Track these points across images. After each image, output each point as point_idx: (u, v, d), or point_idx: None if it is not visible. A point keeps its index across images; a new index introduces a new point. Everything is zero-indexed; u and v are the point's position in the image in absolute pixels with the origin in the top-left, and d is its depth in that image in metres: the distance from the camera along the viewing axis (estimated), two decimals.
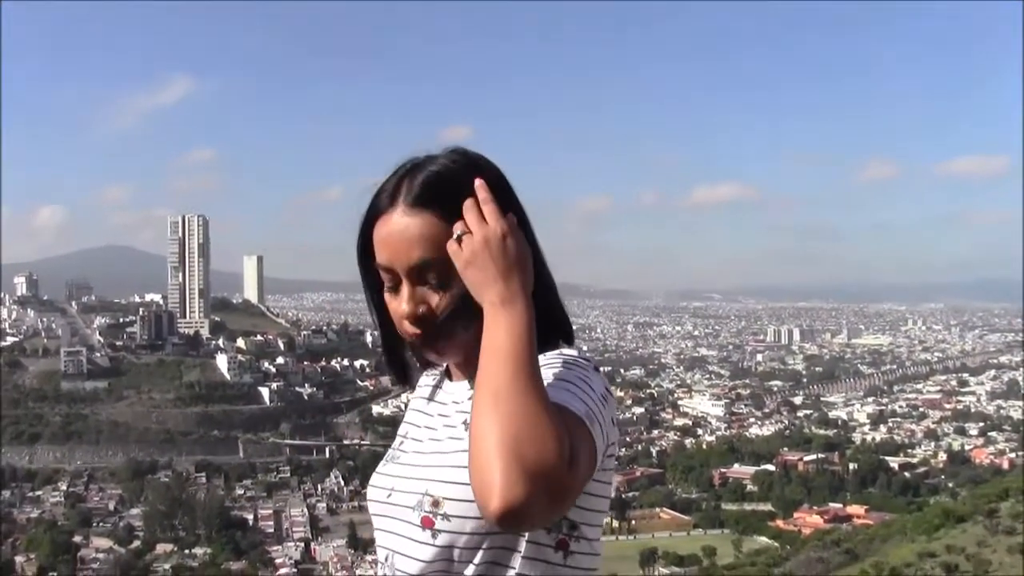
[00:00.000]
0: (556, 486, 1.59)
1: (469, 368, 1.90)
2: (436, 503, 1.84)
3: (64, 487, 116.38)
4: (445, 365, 2.09)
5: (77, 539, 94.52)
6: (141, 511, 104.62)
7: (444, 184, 1.87)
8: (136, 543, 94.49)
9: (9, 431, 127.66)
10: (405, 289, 1.89)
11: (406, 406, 2.23)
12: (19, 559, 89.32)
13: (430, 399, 2.12)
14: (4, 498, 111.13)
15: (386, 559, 1.96)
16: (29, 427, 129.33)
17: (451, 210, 1.83)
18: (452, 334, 1.90)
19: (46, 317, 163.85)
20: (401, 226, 1.87)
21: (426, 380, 2.18)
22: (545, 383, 1.71)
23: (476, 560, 1.84)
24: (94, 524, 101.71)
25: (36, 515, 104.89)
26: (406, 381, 2.15)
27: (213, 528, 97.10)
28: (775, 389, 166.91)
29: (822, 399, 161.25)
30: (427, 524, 1.85)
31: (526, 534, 1.83)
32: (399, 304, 1.91)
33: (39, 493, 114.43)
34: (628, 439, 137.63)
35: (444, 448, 1.92)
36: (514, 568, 1.85)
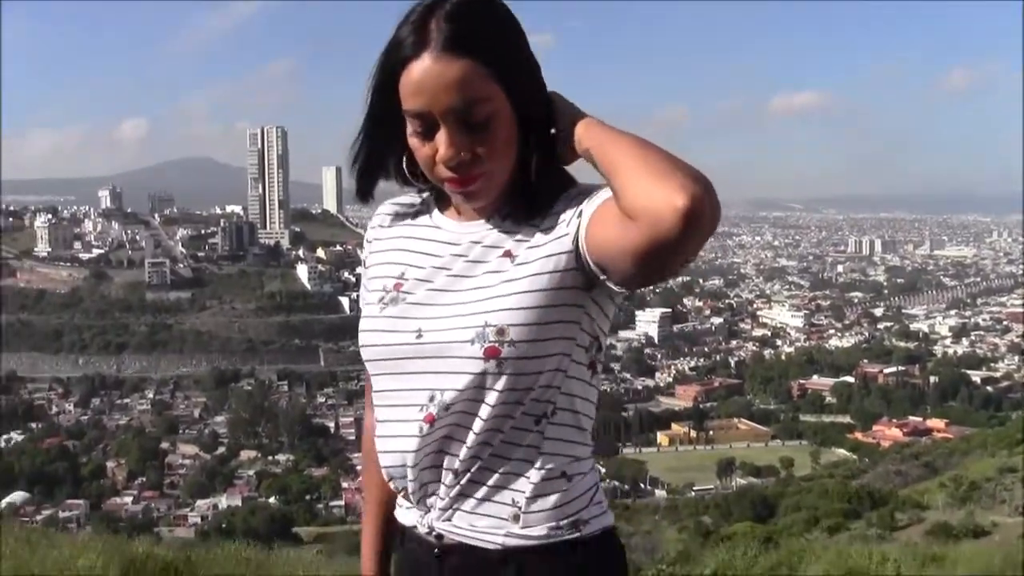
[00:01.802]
0: (716, 198, 1.68)
1: (492, 205, 1.99)
2: (501, 331, 1.88)
3: (151, 395, 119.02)
4: (432, 204, 2.13)
5: (164, 445, 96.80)
6: (225, 418, 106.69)
7: (472, 23, 1.88)
8: (221, 450, 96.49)
9: (97, 341, 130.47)
10: (443, 134, 1.88)
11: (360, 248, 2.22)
12: (110, 464, 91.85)
13: (425, 239, 2.09)
14: (94, 406, 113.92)
15: (431, 399, 1.93)
16: (116, 337, 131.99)
17: (485, 49, 1.87)
18: (491, 177, 1.93)
19: (130, 229, 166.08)
20: (437, 71, 1.86)
21: (394, 222, 2.17)
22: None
23: (536, 384, 1.91)
24: (180, 431, 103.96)
25: (124, 422, 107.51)
26: (366, 200, 2.11)
27: (295, 436, 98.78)
28: (855, 300, 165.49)
29: (903, 311, 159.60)
30: (492, 354, 1.88)
31: (572, 353, 1.94)
32: (433, 149, 1.90)
33: (127, 401, 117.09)
34: (706, 349, 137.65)
35: (488, 282, 1.94)
36: (560, 387, 1.95)
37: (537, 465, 1.96)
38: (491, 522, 1.97)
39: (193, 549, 7.95)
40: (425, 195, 2.14)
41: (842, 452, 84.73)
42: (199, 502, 79.37)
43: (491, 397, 1.91)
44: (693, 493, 69.38)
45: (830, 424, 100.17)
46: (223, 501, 77.63)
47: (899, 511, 25.58)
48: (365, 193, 2.10)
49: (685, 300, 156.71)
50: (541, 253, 1.92)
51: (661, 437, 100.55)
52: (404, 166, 2.04)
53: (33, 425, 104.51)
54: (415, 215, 2.15)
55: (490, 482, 1.96)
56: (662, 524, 35.95)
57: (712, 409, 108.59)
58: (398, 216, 2.18)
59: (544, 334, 1.90)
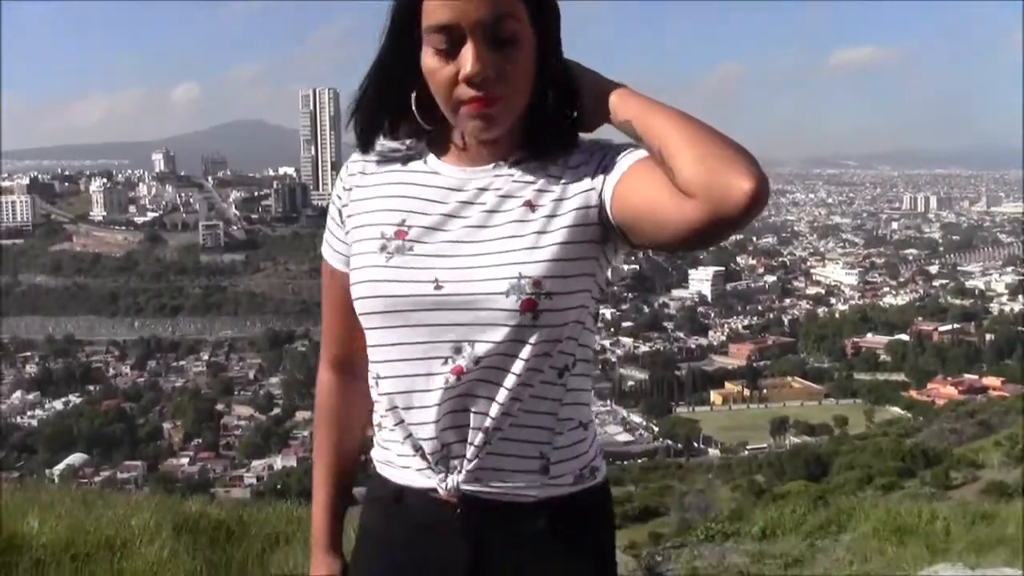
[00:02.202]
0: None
1: (497, 151, 1.98)
2: (537, 283, 1.88)
3: (206, 357, 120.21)
4: (424, 149, 2.07)
5: (219, 407, 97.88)
6: (280, 379, 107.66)
7: None
8: (276, 410, 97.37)
9: (152, 304, 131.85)
10: (470, 48, 1.84)
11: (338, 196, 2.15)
12: (166, 426, 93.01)
13: (423, 185, 2.03)
14: (150, 368, 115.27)
15: (458, 351, 1.90)
16: (171, 300, 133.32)
17: None
18: (511, 105, 1.90)
19: (183, 192, 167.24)
20: None
21: (379, 167, 2.11)
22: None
23: (563, 336, 1.93)
24: (235, 392, 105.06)
25: (180, 384, 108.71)
26: (368, 149, 2.09)
27: None
28: (910, 258, 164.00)
29: (959, 268, 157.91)
30: (529, 307, 1.88)
31: (589, 306, 1.97)
32: (456, 67, 1.86)
33: (182, 363, 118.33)
34: (760, 307, 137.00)
35: (515, 232, 1.92)
36: (578, 339, 1.98)
37: (560, 417, 1.98)
38: (522, 476, 1.97)
39: (246, 508, 8.05)
40: (409, 142, 2.08)
41: (896, 410, 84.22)
42: (254, 463, 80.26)
43: (524, 351, 1.90)
44: (746, 452, 69.34)
45: (884, 382, 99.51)
46: (278, 462, 78.43)
47: (954, 470, 25.47)
48: (368, 142, 2.08)
49: (738, 258, 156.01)
50: (569, 206, 1.93)
51: (714, 396, 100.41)
52: (413, 106, 1.98)
53: (91, 388, 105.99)
54: (404, 160, 2.09)
55: (520, 437, 1.96)
56: (715, 483, 36.00)
57: (765, 368, 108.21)
58: (382, 161, 2.11)
59: (572, 286, 1.92)
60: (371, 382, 2.05)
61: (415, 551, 2.05)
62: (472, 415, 1.94)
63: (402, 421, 1.99)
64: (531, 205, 1.94)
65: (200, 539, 6.24)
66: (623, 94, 1.91)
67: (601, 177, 1.92)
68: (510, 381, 1.92)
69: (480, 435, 1.94)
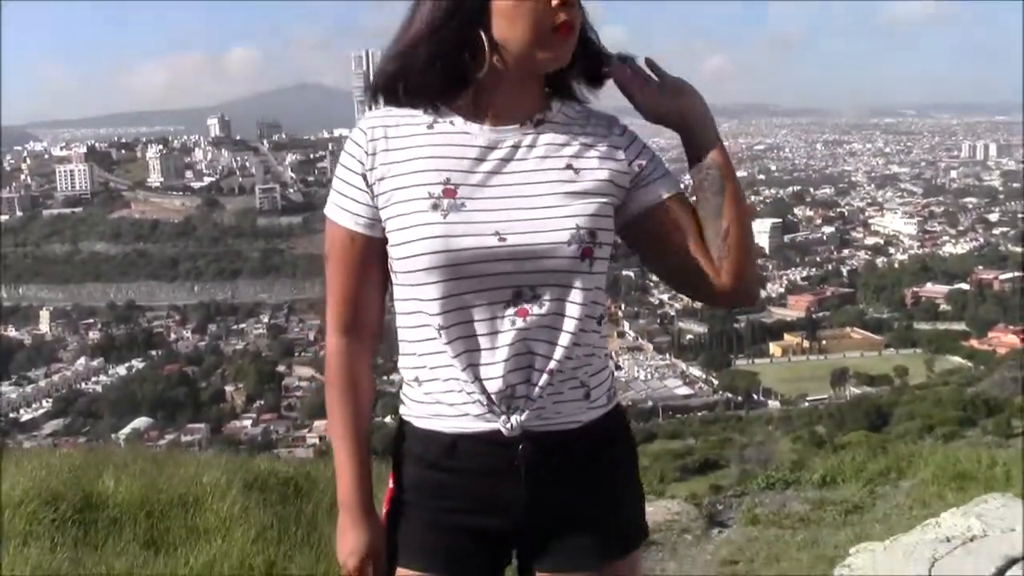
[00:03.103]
0: None
1: (520, 110, 2.21)
2: (593, 234, 2.13)
3: (265, 320, 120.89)
4: (446, 111, 2.22)
5: (280, 369, 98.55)
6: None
7: None
8: None
9: (211, 268, 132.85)
10: None
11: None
12: (228, 388, 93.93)
13: (459, 145, 2.18)
14: (211, 332, 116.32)
15: (518, 296, 2.11)
16: (230, 264, 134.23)
17: None
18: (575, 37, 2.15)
19: (239, 157, 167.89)
20: None
21: (400, 128, 2.22)
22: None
23: (602, 284, 2.19)
24: (295, 354, 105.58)
25: (241, 347, 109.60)
26: (388, 101, 2.28)
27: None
28: (970, 206, 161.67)
29: (1019, 216, 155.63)
30: (587, 254, 2.13)
31: (609, 258, 2.21)
32: None
33: (243, 326, 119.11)
34: (818, 259, 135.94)
35: (564, 189, 2.15)
36: (603, 288, 2.20)
37: (597, 353, 2.24)
38: (571, 406, 2.19)
39: (312, 465, 8.22)
40: (419, 110, 2.22)
41: (957, 360, 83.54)
42: (316, 423, 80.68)
43: (580, 296, 2.12)
44: (806, 403, 69.20)
45: (944, 332, 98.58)
46: None
47: (1015, 418, 25.29)
48: (393, 92, 2.25)
49: (796, 210, 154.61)
50: (604, 176, 2.19)
51: (773, 348, 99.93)
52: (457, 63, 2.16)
53: (153, 353, 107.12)
54: (430, 124, 2.21)
55: (572, 375, 2.17)
56: (775, 434, 35.97)
57: (825, 319, 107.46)
58: (404, 124, 2.23)
59: (610, 240, 2.18)
60: (415, 338, 2.21)
61: (471, 497, 2.18)
62: (536, 357, 2.12)
63: (468, 367, 2.10)
64: (573, 168, 2.17)
65: (269, 495, 6.40)
66: (724, 152, 2.25)
67: (636, 171, 2.23)
68: (569, 324, 2.12)
69: (544, 376, 2.11)
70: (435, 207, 2.10)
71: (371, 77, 2.32)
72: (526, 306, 2.10)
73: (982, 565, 3.34)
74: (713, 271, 2.22)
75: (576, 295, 2.13)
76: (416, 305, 2.17)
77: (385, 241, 2.19)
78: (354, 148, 2.24)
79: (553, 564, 2.25)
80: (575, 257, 2.11)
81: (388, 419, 29.01)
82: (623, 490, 2.32)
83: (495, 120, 2.19)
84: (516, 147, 2.18)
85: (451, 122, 2.20)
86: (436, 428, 2.19)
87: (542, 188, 2.14)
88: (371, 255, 2.24)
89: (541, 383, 2.12)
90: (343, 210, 2.26)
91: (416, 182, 2.15)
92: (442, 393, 2.18)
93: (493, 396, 2.11)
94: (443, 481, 2.18)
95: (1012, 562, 3.32)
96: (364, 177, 2.21)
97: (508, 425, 2.11)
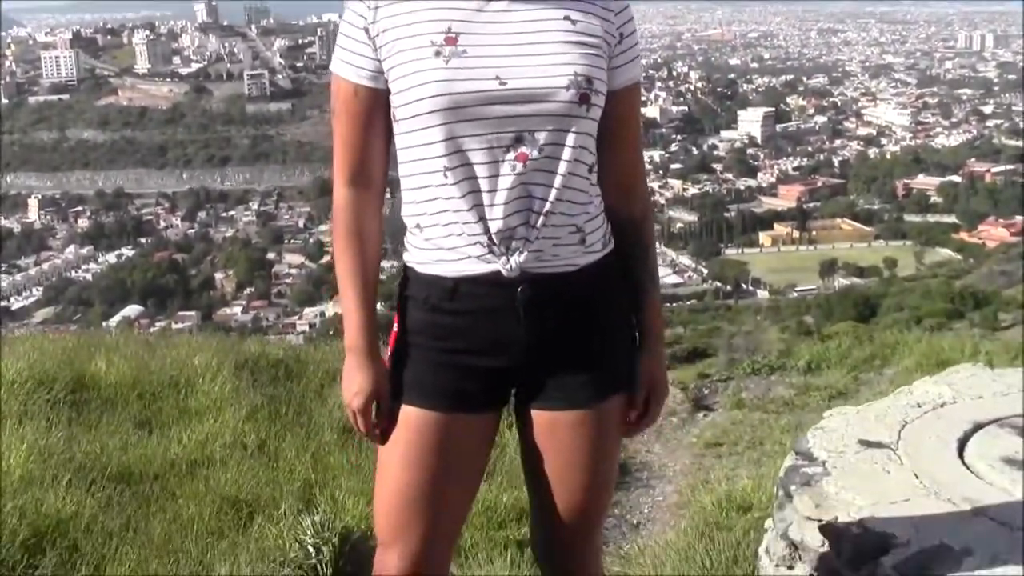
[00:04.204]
0: None
1: None
2: (590, 80, 2.23)
3: (255, 207, 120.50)
4: None
5: (270, 256, 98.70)
6: (329, 227, 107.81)
7: None
8: (326, 258, 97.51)
9: (200, 155, 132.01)
10: None
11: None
12: (218, 276, 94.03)
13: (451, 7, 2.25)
14: (200, 219, 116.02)
15: (519, 140, 2.19)
16: (218, 150, 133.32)
17: None
18: None
19: (227, 42, 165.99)
20: None
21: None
22: None
23: (595, 131, 2.31)
24: (285, 241, 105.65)
25: (231, 234, 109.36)
26: None
27: (398, 242, 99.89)
28: (964, 98, 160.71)
29: (1014, 108, 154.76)
30: (585, 99, 2.23)
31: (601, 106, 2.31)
32: None
33: (232, 213, 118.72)
34: (810, 148, 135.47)
35: (562, 38, 2.24)
36: (593, 135, 2.31)
37: (592, 200, 2.34)
38: (568, 250, 2.28)
39: (303, 348, 8.29)
40: None
41: (946, 252, 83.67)
42: (307, 310, 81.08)
43: (575, 140, 2.23)
44: (795, 293, 69.50)
45: (935, 224, 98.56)
46: (330, 308, 79.04)
47: (1002, 311, 25.41)
48: None
49: (788, 99, 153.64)
50: (600, 24, 2.30)
51: (763, 238, 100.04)
52: None
53: (142, 240, 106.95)
54: None
55: (567, 217, 2.27)
56: (764, 324, 36.12)
57: (815, 209, 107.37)
58: None
59: (603, 89, 2.29)
60: (416, 185, 2.29)
61: (473, 338, 2.28)
62: (534, 200, 2.21)
63: (472, 207, 2.20)
64: (570, 19, 2.26)
65: (260, 377, 6.47)
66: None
67: (620, 36, 2.35)
68: (563, 167, 2.23)
69: (541, 217, 2.22)
70: (437, 54, 2.19)
71: None
72: (525, 150, 2.18)
73: (951, 428, 3.43)
74: (617, 185, 2.43)
75: (572, 139, 2.22)
76: (419, 152, 2.25)
77: (389, 93, 2.27)
78: (356, 4, 2.31)
79: (549, 402, 2.36)
80: (573, 102, 2.20)
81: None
82: (618, 332, 2.41)
83: None
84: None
85: None
86: (438, 272, 2.28)
87: (541, 36, 2.23)
88: (375, 107, 2.32)
89: (538, 224, 2.21)
90: (347, 64, 2.33)
91: (418, 32, 2.23)
92: (443, 238, 2.27)
93: (494, 236, 2.20)
94: (446, 323, 2.28)
95: (979, 427, 3.40)
96: (366, 31, 2.28)
97: (508, 266, 2.21)
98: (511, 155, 2.18)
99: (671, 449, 6.67)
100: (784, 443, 5.92)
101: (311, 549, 4.05)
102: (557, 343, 2.30)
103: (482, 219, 2.20)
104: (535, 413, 2.39)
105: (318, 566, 4.00)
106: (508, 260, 2.21)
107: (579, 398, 2.35)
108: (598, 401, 2.37)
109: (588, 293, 2.32)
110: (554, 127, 2.20)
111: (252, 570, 3.92)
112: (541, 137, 2.19)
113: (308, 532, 4.11)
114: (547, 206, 2.21)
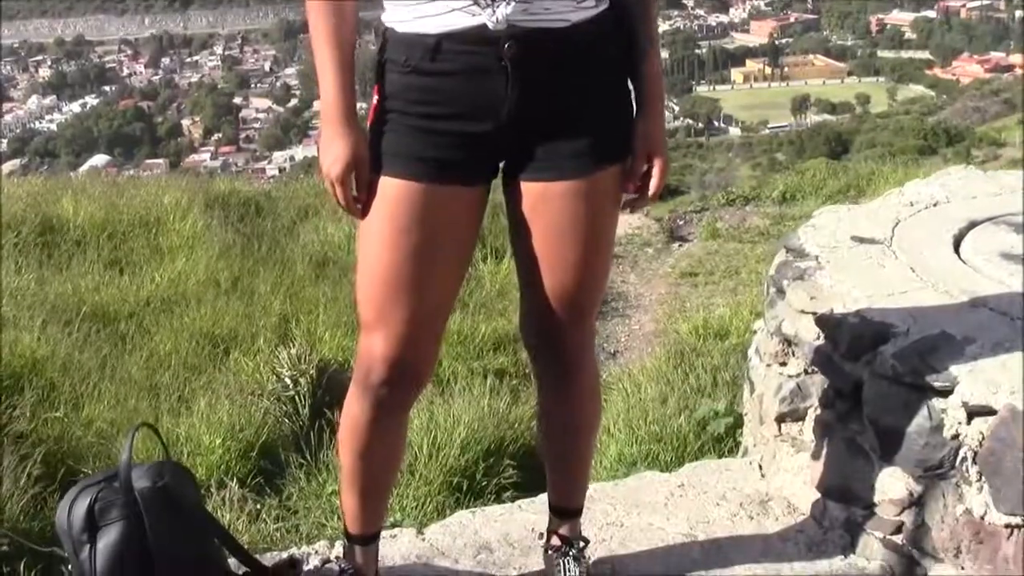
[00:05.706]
0: None
1: None
2: None
3: (220, 51, 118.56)
4: None
5: (237, 100, 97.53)
6: (296, 70, 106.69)
7: None
8: (293, 102, 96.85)
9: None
10: None
11: None
12: (185, 123, 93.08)
13: None
14: (164, 65, 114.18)
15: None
16: None
17: None
18: None
19: None
20: None
21: None
22: None
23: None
24: (252, 85, 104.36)
25: (196, 80, 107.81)
26: None
27: (367, 82, 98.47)
28: None
29: None
30: None
31: None
32: None
33: (196, 58, 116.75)
34: None
35: None
36: None
37: None
38: (559, 4, 2.12)
39: (273, 185, 8.22)
40: None
41: (920, 88, 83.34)
42: (275, 154, 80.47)
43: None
44: (767, 130, 69.33)
45: (908, 60, 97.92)
46: (299, 152, 78.55)
47: (975, 148, 25.47)
48: None
49: None
50: None
51: (735, 74, 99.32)
52: None
53: (107, 88, 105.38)
54: None
55: None
56: (735, 161, 36.18)
57: (787, 45, 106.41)
58: None
59: None
60: None
61: (457, 100, 2.16)
62: None
63: None
64: None
65: (231, 214, 6.41)
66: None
67: None
68: None
69: None
70: None
71: None
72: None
73: (946, 225, 3.42)
74: None
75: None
76: None
77: None
78: None
79: (539, 173, 2.25)
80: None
81: None
82: (614, 96, 2.29)
83: None
84: None
85: None
86: (419, 30, 2.13)
87: None
88: None
89: None
90: None
91: None
92: None
93: None
94: (427, 85, 2.14)
95: (974, 224, 3.40)
96: None
97: (494, 18, 2.06)
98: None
99: (647, 279, 6.68)
100: (760, 271, 5.92)
101: (288, 381, 4.07)
102: (546, 106, 2.18)
103: None
104: (524, 185, 2.27)
105: (296, 397, 4.01)
106: (494, 12, 2.06)
107: (571, 167, 2.23)
108: (592, 170, 2.24)
109: (581, 52, 2.18)
110: None
111: (231, 403, 3.93)
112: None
113: (285, 365, 4.12)
114: None
